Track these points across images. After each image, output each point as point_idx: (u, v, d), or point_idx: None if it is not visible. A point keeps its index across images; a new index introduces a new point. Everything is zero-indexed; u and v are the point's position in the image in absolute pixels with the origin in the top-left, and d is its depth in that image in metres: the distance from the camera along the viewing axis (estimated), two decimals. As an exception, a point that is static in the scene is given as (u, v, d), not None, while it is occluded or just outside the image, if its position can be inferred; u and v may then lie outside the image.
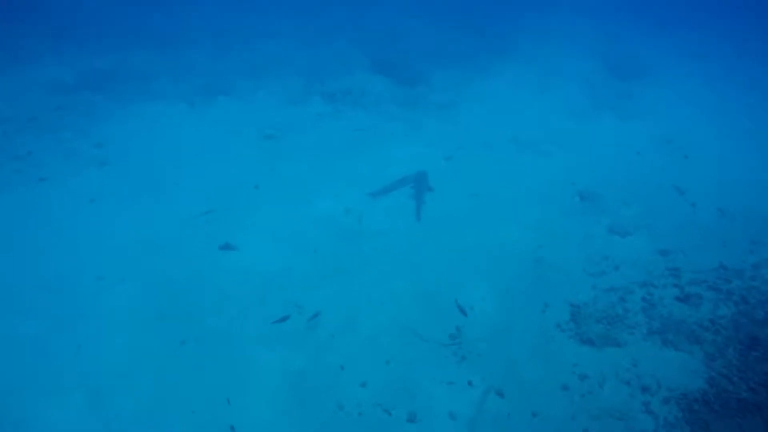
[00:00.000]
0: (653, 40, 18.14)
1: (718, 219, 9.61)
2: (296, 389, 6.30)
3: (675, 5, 20.26)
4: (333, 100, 13.26)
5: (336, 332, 7.05)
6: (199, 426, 5.84)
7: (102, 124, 11.53)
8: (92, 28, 15.11)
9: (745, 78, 15.25)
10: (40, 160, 10.30)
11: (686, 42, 18.20)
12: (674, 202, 9.98)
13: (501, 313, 7.49)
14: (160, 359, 6.58)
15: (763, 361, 6.69)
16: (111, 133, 11.27)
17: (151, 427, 5.81)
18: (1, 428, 5.74)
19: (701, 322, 7.41)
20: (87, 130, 11.16)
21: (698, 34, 18.52)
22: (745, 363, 6.69)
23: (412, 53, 15.60)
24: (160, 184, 9.86)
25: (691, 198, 10.10)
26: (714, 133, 12.41)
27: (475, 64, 15.18)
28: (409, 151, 11.30)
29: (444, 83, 14.22)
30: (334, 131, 12.04)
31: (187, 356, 6.65)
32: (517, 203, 9.75)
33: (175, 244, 8.42)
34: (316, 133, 11.94)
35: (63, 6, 16.01)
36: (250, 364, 6.57)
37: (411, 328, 7.16)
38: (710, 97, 13.94)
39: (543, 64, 15.69)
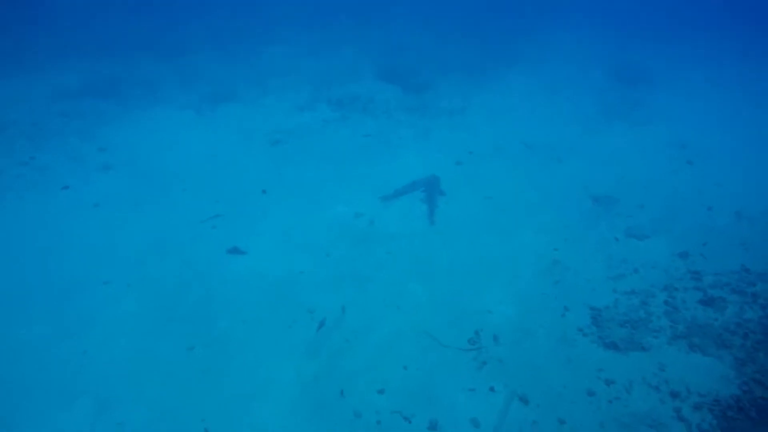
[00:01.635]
0: (659, 47, 18.18)
1: (736, 222, 9.41)
2: (311, 396, 6.03)
3: (679, 13, 20.37)
4: (340, 106, 13.16)
5: (351, 337, 6.80)
6: (210, 435, 5.56)
7: (107, 129, 11.40)
8: (98, 36, 15.11)
9: (753, 83, 15.21)
10: (44, 165, 10.12)
11: (692, 48, 18.25)
12: (691, 206, 9.79)
13: (520, 317, 7.25)
14: (168, 365, 6.32)
15: (797, 365, 6.44)
16: (116, 138, 11.13)
17: (160, 435, 5.54)
18: (4, 437, 5.46)
19: (727, 326, 7.17)
20: (92, 135, 11.02)
21: (704, 40, 18.59)
22: (779, 367, 6.44)
23: (419, 62, 15.58)
24: (167, 189, 9.67)
25: (707, 201, 9.91)
26: (726, 137, 12.29)
27: (482, 72, 15.15)
28: (419, 157, 11.15)
29: (451, 91, 14.15)
30: (343, 137, 11.91)
31: (196, 362, 6.38)
32: (531, 207, 9.57)
33: (182, 249, 8.20)
34: (323, 139, 11.80)
35: (69, 13, 16.04)
36: (262, 371, 6.30)
37: (429, 333, 6.90)
38: (720, 103, 13.87)
39: (550, 73, 15.66)
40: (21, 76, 13.28)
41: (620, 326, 7.19)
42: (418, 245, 8.49)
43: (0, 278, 7.49)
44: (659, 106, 13.68)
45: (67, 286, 7.37)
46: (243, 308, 7.18)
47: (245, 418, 5.74)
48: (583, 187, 10.15)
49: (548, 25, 20.35)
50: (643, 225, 9.20)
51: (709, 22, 20.42)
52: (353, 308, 7.23)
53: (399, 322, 7.07)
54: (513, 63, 16.29)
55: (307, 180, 10.16)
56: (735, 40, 18.77)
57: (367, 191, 9.81)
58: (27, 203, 9.14)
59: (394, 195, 9.71)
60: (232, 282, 7.63)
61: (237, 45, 15.59)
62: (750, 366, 6.56)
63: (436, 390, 6.19)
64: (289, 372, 6.30)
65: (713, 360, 6.71)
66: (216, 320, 6.98)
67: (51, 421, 5.62)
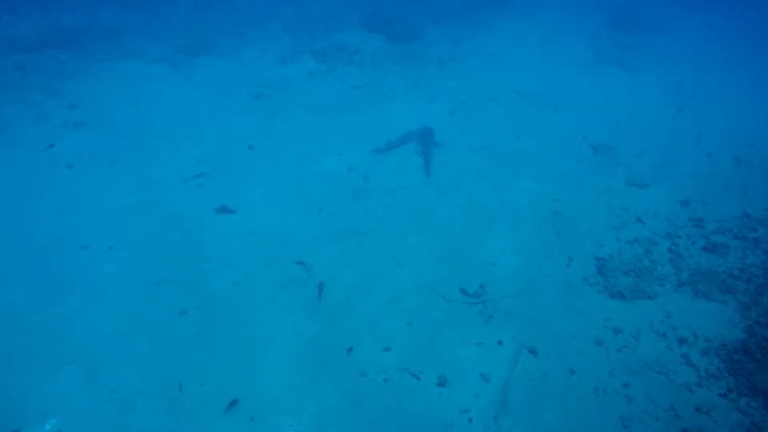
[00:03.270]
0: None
1: (736, 168, 9.28)
2: (312, 356, 5.78)
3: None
4: (325, 57, 12.42)
5: (351, 295, 6.51)
6: (207, 398, 5.29)
7: (72, 83, 10.52)
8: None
9: (746, 28, 14.87)
10: (6, 123, 9.32)
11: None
12: (690, 153, 9.60)
13: (524, 269, 7.05)
14: (159, 330, 5.97)
15: (803, 307, 6.42)
16: (85, 93, 10.30)
17: (156, 400, 5.24)
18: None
19: (731, 272, 7.10)
20: (56, 90, 10.15)
21: None
22: (784, 310, 6.41)
23: (405, 9, 14.73)
24: (145, 147, 9.04)
25: (707, 148, 9.72)
26: (722, 83, 12.04)
27: (472, 18, 14.43)
28: (410, 108, 10.64)
29: (441, 38, 13.47)
30: (329, 89, 11.27)
31: (189, 325, 6.05)
32: (529, 157, 9.25)
33: (166, 209, 7.70)
34: (309, 92, 11.15)
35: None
36: (260, 331, 6.01)
37: (432, 288, 6.66)
38: (714, 48, 13.54)
39: (542, 18, 15.02)
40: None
41: (625, 275, 7.05)
42: (415, 198, 8.14)
43: (-32, 245, 6.95)
44: (656, 51, 13.28)
45: (43, 252, 6.85)
46: (235, 269, 6.81)
47: (244, 380, 5.47)
48: (582, 136, 9.84)
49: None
50: (643, 173, 8.98)
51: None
52: (351, 265, 6.91)
53: (400, 277, 6.80)
54: (502, 8, 15.55)
55: (295, 134, 9.61)
56: None
57: (359, 144, 9.33)
58: (-8, 165, 8.45)
59: (387, 148, 9.26)
60: (222, 242, 7.21)
61: (210, -9, 14.52)
62: (754, 310, 6.52)
63: (443, 345, 5.99)
64: (288, 332, 6.02)
65: (718, 305, 6.65)
66: (207, 282, 6.60)
67: (41, 389, 5.27)
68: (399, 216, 7.76)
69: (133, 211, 7.60)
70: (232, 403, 5.25)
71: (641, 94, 11.51)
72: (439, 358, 5.86)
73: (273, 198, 8.04)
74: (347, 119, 10.14)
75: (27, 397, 5.22)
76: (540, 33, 13.82)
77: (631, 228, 7.85)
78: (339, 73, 11.94)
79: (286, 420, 5.15)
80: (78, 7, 12.71)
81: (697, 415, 5.34)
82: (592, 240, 7.59)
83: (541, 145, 9.57)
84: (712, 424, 5.25)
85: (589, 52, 13.09)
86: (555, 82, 11.65)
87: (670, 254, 7.41)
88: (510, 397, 5.50)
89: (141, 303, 6.25)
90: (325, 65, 12.15)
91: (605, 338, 6.20)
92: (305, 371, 5.62)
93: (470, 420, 5.27)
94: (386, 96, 11.04)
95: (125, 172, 8.39)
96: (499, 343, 6.06)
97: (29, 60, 10.99)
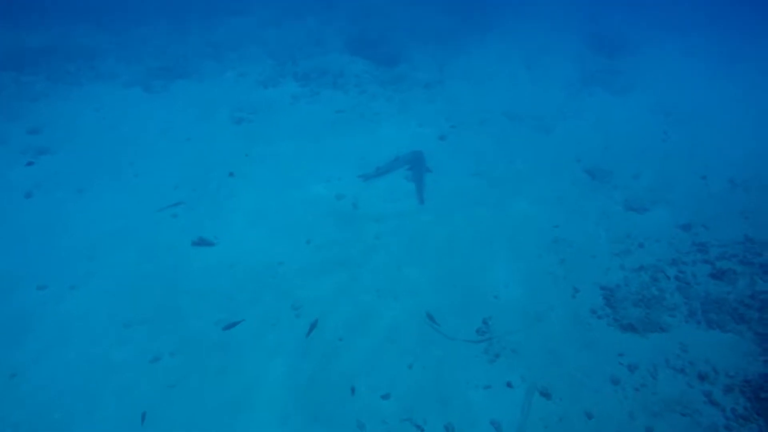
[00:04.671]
0: (631, 15, 17.89)
1: (731, 190, 9.12)
2: (305, 407, 5.13)
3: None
4: (308, 80, 12.03)
5: (345, 334, 5.91)
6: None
7: (37, 106, 9.82)
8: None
9: (725, 49, 15.16)
10: (-38, 151, 8.57)
11: (664, 15, 18.06)
12: (684, 175, 9.43)
13: (529, 301, 6.58)
14: (126, 381, 5.25)
15: (824, 337, 6.09)
16: (50, 117, 9.61)
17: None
18: None
19: (742, 299, 6.76)
20: (17, 113, 9.42)
21: (675, 6, 18.47)
22: (804, 340, 6.07)
23: (388, 30, 14.54)
24: (115, 175, 8.38)
25: (700, 170, 9.57)
26: (706, 102, 12.10)
27: (457, 41, 14.32)
28: (398, 131, 10.27)
29: (426, 61, 13.27)
30: (313, 113, 10.84)
31: (163, 374, 5.34)
32: (524, 181, 8.91)
33: (139, 241, 7.02)
34: (293, 116, 10.70)
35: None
36: (245, 378, 5.35)
37: (432, 324, 6.11)
38: (695, 69, 13.69)
39: (526, 42, 15.03)
40: None
41: (634, 306, 6.65)
42: (409, 227, 7.66)
43: None
44: (639, 73, 13.34)
45: (-6, 293, 6.08)
46: (215, 306, 6.15)
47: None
48: (576, 159, 9.60)
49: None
50: (641, 197, 8.73)
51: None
52: (344, 299, 6.33)
53: (397, 313, 6.24)
54: (486, 30, 15.53)
55: (279, 160, 9.09)
56: (705, 7, 18.80)
57: (346, 170, 8.86)
58: (-58, 195, 7.64)
59: (376, 173, 8.80)
60: (201, 277, 6.56)
61: (188, 16, 14.01)
62: (772, 340, 6.17)
63: (448, 390, 5.43)
64: (276, 378, 5.37)
65: (734, 336, 6.27)
66: (183, 322, 5.92)
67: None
68: (393, 246, 7.25)
69: (101, 245, 6.91)
70: (212, 468, 4.56)
71: (629, 116, 11.42)
72: (445, 405, 5.28)
73: (256, 228, 7.45)
74: (333, 144, 9.69)
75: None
76: (525, 56, 13.78)
77: (635, 255, 7.51)
78: (323, 96, 11.55)
79: (275, 486, 4.48)
80: (46, 27, 12.03)
81: (732, 464, 4.88)
82: (596, 268, 7.21)
83: (535, 168, 9.27)
84: (749, 473, 4.79)
85: (575, 74, 13.05)
86: (544, 105, 11.48)
87: (677, 282, 7.06)
88: (526, 448, 4.95)
89: (106, 349, 5.53)
90: (308, 88, 11.75)
91: (621, 376, 5.73)
92: (297, 425, 4.96)
93: (484, 478, 4.69)
94: (372, 120, 10.66)
95: (93, 202, 7.70)
96: (509, 385, 5.53)
97: (-11, 82, 10.25)
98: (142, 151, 9.05)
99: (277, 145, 9.52)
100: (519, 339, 6.06)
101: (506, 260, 7.16)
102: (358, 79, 12.30)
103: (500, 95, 11.70)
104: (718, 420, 5.26)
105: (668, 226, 8.10)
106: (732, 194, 8.98)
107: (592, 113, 11.36)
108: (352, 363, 5.59)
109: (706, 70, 13.45)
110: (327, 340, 5.83)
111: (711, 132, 10.78)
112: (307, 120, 10.54)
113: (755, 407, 5.40)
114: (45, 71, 10.58)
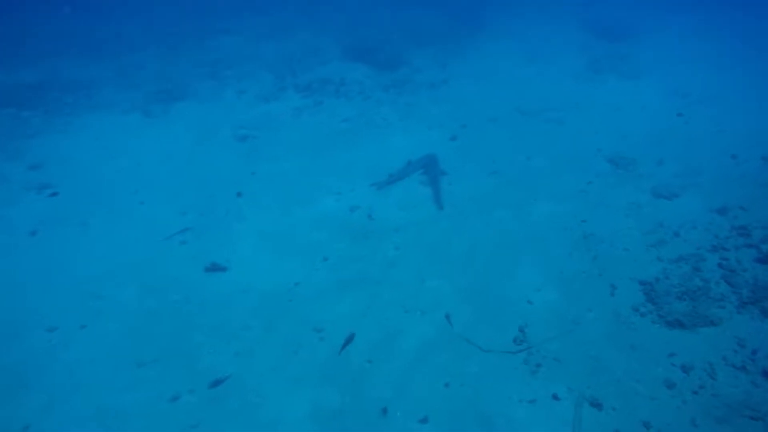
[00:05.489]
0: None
1: (765, 167, 8.62)
2: (337, 439, 4.74)
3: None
4: (310, 92, 11.74)
5: (373, 356, 5.52)
6: None
7: (35, 142, 9.57)
8: (12, 35, 12.84)
9: (734, 28, 14.66)
10: (-38, 192, 8.33)
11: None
12: (712, 156, 8.94)
13: (565, 304, 6.15)
14: (145, 424, 4.88)
15: None
16: (50, 151, 9.36)
17: None
18: None
19: (795, 283, 6.27)
20: (16, 151, 9.19)
21: None
22: None
23: (385, 36, 14.27)
24: (120, 205, 8.09)
25: (728, 149, 9.08)
26: (721, 83, 11.58)
27: (456, 41, 13.99)
28: (407, 136, 9.92)
29: (427, 63, 12.94)
30: (318, 124, 10.52)
31: (183, 414, 4.98)
32: (544, 177, 8.50)
33: (148, 273, 6.70)
34: (297, 129, 10.39)
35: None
36: (268, 413, 4.96)
37: (465, 337, 5.70)
38: (703, 50, 13.19)
39: (526, 36, 14.64)
40: None
41: (678, 300, 6.19)
42: (430, 235, 7.27)
43: None
44: (647, 57, 12.88)
45: None
46: (232, 337, 5.79)
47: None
48: (596, 149, 9.16)
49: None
50: (669, 183, 8.27)
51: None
52: (368, 319, 5.95)
53: (426, 329, 5.84)
54: (484, 29, 15.18)
55: (287, 176, 8.76)
56: None
57: (357, 180, 8.50)
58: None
59: (389, 181, 8.44)
60: (215, 306, 6.21)
61: (180, 39, 13.81)
62: (836, 326, 5.69)
63: (490, 408, 5.01)
64: (302, 410, 4.98)
65: (792, 325, 5.79)
66: (199, 357, 5.57)
67: None
68: (414, 257, 6.86)
69: (110, 280, 6.59)
70: None
71: (644, 101, 10.97)
72: (488, 425, 4.87)
73: (269, 249, 7.11)
74: (342, 154, 9.35)
75: None
76: (528, 50, 13.38)
77: (671, 245, 7.05)
78: (326, 106, 11.24)
79: None
80: (40, 61, 11.84)
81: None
82: (631, 262, 6.76)
83: (554, 163, 8.85)
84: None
85: (582, 63, 12.63)
86: (555, 96, 11.07)
87: (721, 270, 6.59)
88: (584, 469, 4.51)
89: (119, 392, 5.18)
90: (310, 99, 11.45)
91: (675, 378, 5.27)
92: (330, 461, 4.57)
93: (542, 506, 4.25)
94: (380, 126, 10.32)
95: (98, 236, 7.41)
96: (555, 397, 5.10)
97: (-14, 121, 10.04)
98: (146, 178, 8.77)
99: (283, 161, 9.20)
100: (559, 346, 5.63)
101: (535, 262, 6.74)
102: (360, 85, 11.99)
103: (508, 91, 11.31)
104: (792, 421, 4.78)
105: (702, 211, 7.63)
106: (766, 172, 8.48)
107: (605, 101, 10.93)
108: (384, 386, 5.19)
109: (718, 50, 12.95)
110: (354, 363, 5.44)
111: (733, 112, 10.28)
112: (312, 132, 10.22)
113: (831, 403, 4.92)
114: (42, 105, 10.38)
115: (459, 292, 6.31)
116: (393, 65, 12.80)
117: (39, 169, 8.79)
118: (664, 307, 6.09)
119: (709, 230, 7.26)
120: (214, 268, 6.71)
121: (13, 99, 10.39)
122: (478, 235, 7.22)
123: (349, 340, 5.64)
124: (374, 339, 5.69)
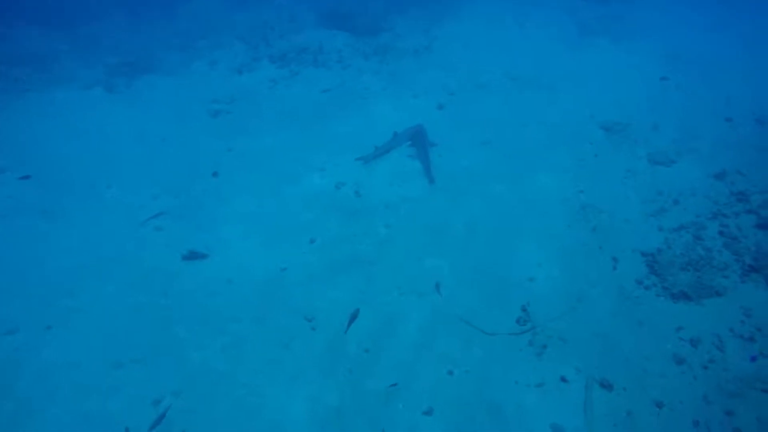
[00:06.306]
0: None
1: (760, 130, 8.42)
2: (338, 437, 4.43)
3: None
4: (286, 61, 11.01)
5: (371, 345, 5.18)
6: None
7: (-12, 122, 8.75)
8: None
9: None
10: None
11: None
12: (707, 120, 8.70)
13: (567, 280, 5.90)
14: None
15: None
16: (4, 132, 8.55)
17: None
18: None
19: (797, 249, 6.13)
20: (-33, 133, 8.40)
21: None
22: None
23: (364, 1, 13.44)
24: (87, 190, 7.46)
25: (723, 113, 8.85)
26: (712, 47, 11.25)
27: (439, 4, 13.26)
28: (392, 106, 9.39)
29: (411, 28, 12.25)
30: (297, 96, 9.89)
31: (167, 420, 4.58)
32: (537, 146, 8.14)
33: (122, 264, 6.18)
34: (275, 102, 9.75)
35: None
36: (265, 414, 4.62)
37: (466, 320, 5.41)
38: (695, 15, 12.78)
39: (512, -3, 13.97)
40: None
41: (682, 270, 5.99)
42: (422, 211, 6.88)
43: None
44: (638, 19, 12.45)
45: (-40, 344, 5.24)
46: (218, 331, 5.38)
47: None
48: (588, 115, 8.81)
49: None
50: (665, 148, 8.01)
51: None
52: (363, 304, 5.58)
53: (425, 312, 5.53)
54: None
55: (267, 152, 8.20)
56: None
57: (342, 155, 8.01)
58: None
59: (375, 154, 7.96)
60: (197, 297, 5.76)
61: (146, 5, 12.77)
62: (841, 291, 5.58)
63: (497, 395, 4.76)
64: (300, 408, 4.65)
65: (797, 292, 5.66)
66: (184, 354, 5.16)
67: None
68: (407, 235, 6.48)
69: (80, 274, 6.04)
70: None
71: (636, 64, 10.61)
72: (496, 413, 4.63)
73: (252, 233, 6.63)
74: (323, 127, 8.80)
75: None
76: (515, 12, 12.78)
77: (671, 213, 6.83)
78: (304, 76, 10.57)
79: None
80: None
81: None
82: (632, 233, 6.53)
83: (547, 131, 8.49)
84: None
85: (572, 26, 12.14)
86: (544, 61, 10.62)
87: (723, 238, 6.41)
88: (599, 454, 4.32)
89: (97, 398, 4.75)
90: (287, 70, 10.75)
91: (684, 354, 5.11)
92: (331, 461, 4.27)
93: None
94: (362, 96, 9.75)
95: (64, 225, 6.79)
96: (563, 380, 4.88)
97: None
98: (112, 159, 8.10)
99: (261, 136, 8.62)
100: (564, 325, 5.40)
101: (534, 237, 6.44)
102: (339, 53, 11.31)
103: (496, 56, 10.78)
104: (805, 392, 4.66)
105: (700, 177, 7.42)
106: (762, 135, 8.29)
107: (597, 65, 10.52)
108: (384, 377, 4.87)
109: (706, 16, 12.57)
110: (351, 354, 5.10)
111: (725, 75, 10.01)
112: (290, 104, 9.60)
113: (843, 372, 4.81)
114: (-7, 81, 9.44)
115: (457, 270, 5.99)
116: (374, 31, 12.10)
117: (-8, 152, 8.01)
118: (668, 278, 5.89)
119: (708, 197, 7.05)
120: (193, 255, 6.22)
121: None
122: (473, 210, 6.87)
123: (354, 317, 5.32)
124: (371, 326, 5.35)
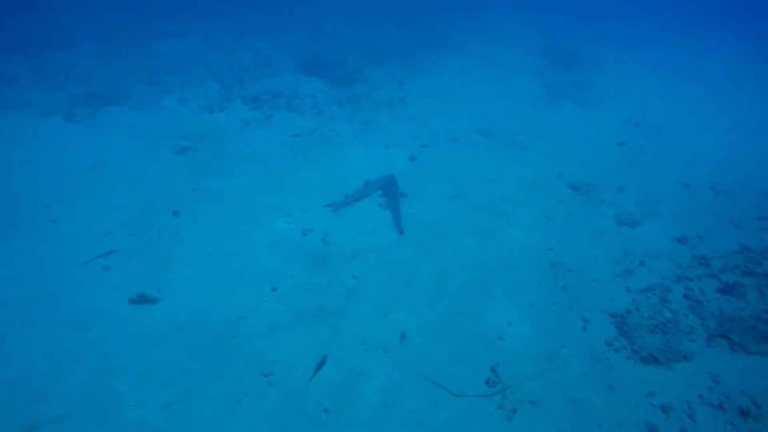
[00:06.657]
0: (584, 31, 18.10)
1: (715, 198, 8.81)
2: None
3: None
4: (259, 104, 10.94)
5: (331, 404, 4.77)
6: None
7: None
8: None
9: (679, 64, 15.46)
10: None
11: (617, 32, 18.46)
12: (667, 185, 9.06)
13: (538, 339, 5.74)
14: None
15: None
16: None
17: None
18: None
19: (757, 315, 6.25)
20: None
21: (625, 23, 19.08)
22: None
23: (342, 51, 13.77)
24: (26, 223, 6.90)
25: (681, 179, 9.24)
26: (670, 113, 11.99)
27: (415, 59, 13.72)
28: (364, 154, 9.36)
29: (386, 80, 12.52)
30: (268, 138, 9.75)
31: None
32: (507, 202, 8.19)
33: (60, 307, 5.61)
34: (245, 142, 9.55)
35: None
36: (206, 484, 4.08)
37: (433, 380, 5.10)
38: (656, 82, 13.74)
39: (485, 57, 14.65)
40: None
41: (651, 333, 5.95)
42: (390, 262, 6.67)
43: None
44: (602, 86, 13.20)
45: None
46: (163, 383, 4.86)
47: None
48: (557, 174, 9.01)
49: (472, 10, 19.56)
50: (631, 210, 8.22)
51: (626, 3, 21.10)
52: (325, 360, 5.20)
53: (391, 370, 5.19)
54: (443, 48, 15.07)
55: (232, 193, 7.91)
56: (651, 21, 19.53)
57: (311, 201, 7.80)
58: None
59: (346, 202, 7.80)
60: (143, 344, 5.25)
61: (123, 39, 12.56)
62: (800, 360, 5.62)
63: (465, 464, 4.40)
64: (247, 477, 4.15)
65: (761, 359, 5.68)
66: (120, 411, 4.59)
67: None
68: (375, 286, 6.22)
69: (9, 315, 5.43)
70: None
71: (600, 128, 11.10)
72: (464, 486, 4.25)
73: (210, 277, 6.21)
74: (293, 172, 8.62)
75: None
76: (486, 71, 13.35)
77: (637, 274, 6.88)
78: (277, 119, 10.48)
79: None
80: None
81: None
82: (601, 293, 6.50)
83: (517, 187, 8.59)
84: None
85: (540, 89, 12.71)
86: (513, 119, 10.96)
87: (688, 301, 6.47)
88: None
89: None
90: (259, 112, 10.66)
91: (657, 421, 4.94)
92: None
93: None
94: (334, 143, 9.70)
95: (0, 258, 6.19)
96: (535, 448, 4.59)
97: None
98: (63, 190, 7.61)
99: (228, 177, 8.34)
100: (535, 387, 5.16)
101: (504, 294, 6.31)
102: (314, 99, 11.35)
103: (468, 112, 11.08)
104: (776, 467, 4.53)
105: (664, 240, 7.58)
106: (717, 202, 8.66)
107: (563, 126, 10.95)
108: (344, 442, 4.46)
109: (666, 83, 13.54)
110: (310, 413, 4.67)
111: (683, 141, 10.61)
112: (261, 146, 9.43)
113: (812, 446, 4.74)
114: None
115: (424, 326, 5.73)
116: (350, 81, 12.29)
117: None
118: (637, 341, 5.82)
119: (672, 259, 7.18)
120: (143, 299, 5.73)
121: None
122: (442, 262, 6.71)
123: (321, 364, 4.95)
124: (332, 383, 4.96)
